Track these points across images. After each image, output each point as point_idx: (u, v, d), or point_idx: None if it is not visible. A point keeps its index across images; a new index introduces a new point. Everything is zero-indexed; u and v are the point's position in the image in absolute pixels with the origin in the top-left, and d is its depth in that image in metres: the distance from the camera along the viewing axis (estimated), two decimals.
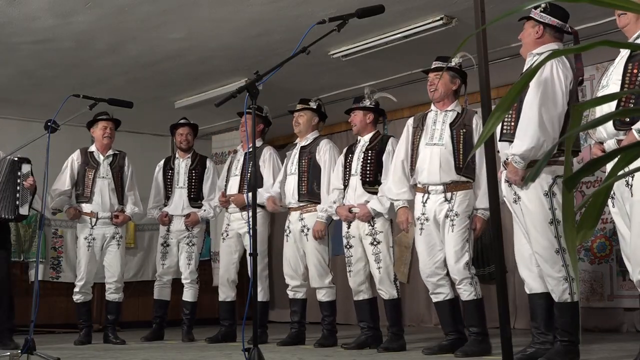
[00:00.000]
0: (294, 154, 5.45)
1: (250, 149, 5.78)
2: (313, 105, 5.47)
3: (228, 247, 5.80)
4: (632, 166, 1.15)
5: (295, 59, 3.34)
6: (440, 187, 4.29)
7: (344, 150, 5.19)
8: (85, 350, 5.21)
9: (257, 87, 3.30)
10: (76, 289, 5.74)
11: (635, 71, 3.15)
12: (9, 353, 4.08)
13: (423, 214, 4.35)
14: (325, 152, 5.30)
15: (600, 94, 3.32)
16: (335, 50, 5.81)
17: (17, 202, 5.28)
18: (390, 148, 4.89)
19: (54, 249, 7.59)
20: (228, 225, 5.80)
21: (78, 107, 4.57)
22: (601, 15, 4.90)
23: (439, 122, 4.40)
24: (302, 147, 5.41)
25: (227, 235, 5.80)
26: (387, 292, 4.77)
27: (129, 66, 6.22)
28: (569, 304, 3.59)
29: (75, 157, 5.84)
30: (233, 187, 5.76)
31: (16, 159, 5.31)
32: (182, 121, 6.31)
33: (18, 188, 5.30)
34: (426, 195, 4.35)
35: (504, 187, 3.72)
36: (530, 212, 3.61)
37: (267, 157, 5.73)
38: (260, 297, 5.65)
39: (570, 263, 3.59)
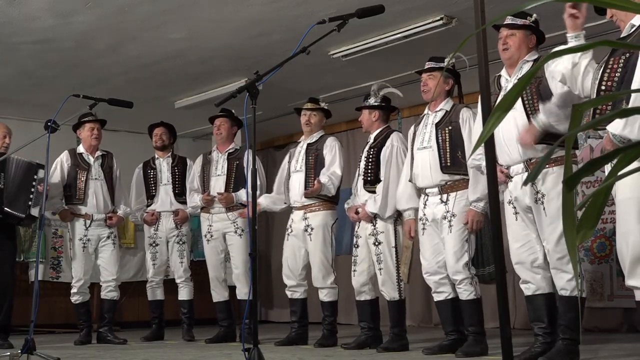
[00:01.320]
0: (299, 152, 5.42)
1: (230, 151, 5.86)
2: (324, 105, 5.50)
3: (214, 248, 5.80)
4: (632, 166, 1.15)
5: (295, 59, 3.34)
6: (436, 189, 4.33)
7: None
8: (85, 350, 5.22)
9: (257, 87, 3.30)
10: (74, 290, 5.75)
11: (615, 66, 3.08)
12: (8, 353, 4.08)
13: (424, 214, 4.39)
14: (331, 148, 5.30)
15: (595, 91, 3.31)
16: (335, 50, 5.82)
17: (30, 203, 5.38)
18: (389, 143, 4.87)
19: (54, 249, 7.59)
20: (210, 226, 5.79)
21: (78, 107, 4.58)
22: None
23: (428, 124, 4.45)
24: (309, 145, 5.38)
25: (212, 236, 5.79)
26: (388, 293, 4.77)
27: (129, 66, 6.23)
28: (579, 299, 3.63)
29: (64, 159, 5.83)
30: (217, 187, 5.75)
31: (34, 163, 5.41)
32: (157, 122, 6.39)
33: (32, 190, 5.40)
34: (425, 197, 4.41)
35: (519, 187, 3.72)
36: (556, 209, 3.59)
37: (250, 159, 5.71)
38: (244, 296, 5.66)
39: (579, 260, 3.63)
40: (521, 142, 3.63)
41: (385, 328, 4.96)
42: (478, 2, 2.13)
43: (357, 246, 4.96)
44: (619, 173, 1.13)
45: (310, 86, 6.62)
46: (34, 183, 5.43)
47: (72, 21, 5.16)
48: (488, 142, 2.23)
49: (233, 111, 5.87)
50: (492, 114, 1.21)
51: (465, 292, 4.24)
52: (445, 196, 4.29)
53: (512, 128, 3.70)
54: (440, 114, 4.41)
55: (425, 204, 4.39)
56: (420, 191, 4.48)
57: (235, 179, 5.70)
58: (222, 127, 5.86)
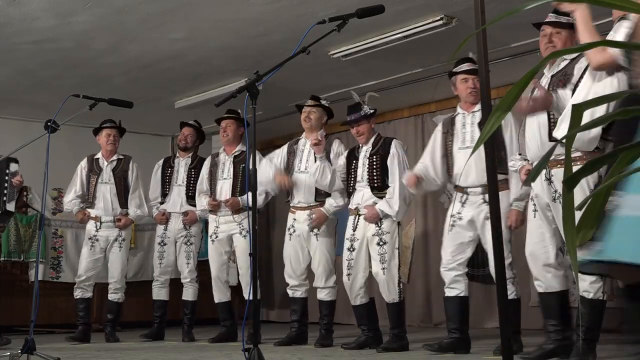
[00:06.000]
0: (304, 152, 5.37)
1: (236, 153, 5.85)
2: (325, 103, 5.49)
3: (218, 249, 5.82)
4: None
5: (295, 59, 3.33)
6: (479, 189, 4.32)
7: (345, 154, 5.18)
8: (85, 350, 5.22)
9: (257, 87, 3.30)
10: (76, 285, 5.97)
11: None
12: (8, 353, 4.08)
13: (459, 212, 4.39)
14: (338, 154, 5.28)
15: None
16: (335, 50, 5.81)
17: (4, 199, 5.39)
18: (394, 151, 4.89)
19: (54, 249, 7.59)
20: (217, 227, 5.81)
21: (78, 107, 4.57)
22: (601, 15, 4.88)
23: (467, 124, 4.46)
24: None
25: (217, 237, 5.81)
26: (389, 295, 4.77)
27: (129, 66, 6.22)
28: (601, 301, 3.65)
29: (83, 165, 6.12)
30: (224, 190, 5.78)
31: (3, 157, 5.40)
32: (190, 122, 6.42)
33: (5, 185, 5.41)
34: (465, 196, 4.40)
35: (539, 185, 3.73)
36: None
37: (257, 160, 5.75)
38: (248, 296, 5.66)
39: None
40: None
41: (385, 328, 4.97)
42: (478, 2, 2.13)
43: (354, 249, 4.91)
44: (619, 173, 1.13)
45: (310, 86, 6.61)
46: (6, 177, 5.41)
47: (72, 21, 5.15)
48: (488, 143, 2.23)
49: (239, 111, 5.86)
50: (492, 114, 1.21)
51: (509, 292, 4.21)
52: (487, 196, 4.27)
53: (534, 124, 3.75)
54: (479, 115, 4.39)
55: (463, 203, 4.39)
56: (456, 189, 4.48)
57: (241, 183, 5.72)
58: (229, 129, 5.86)
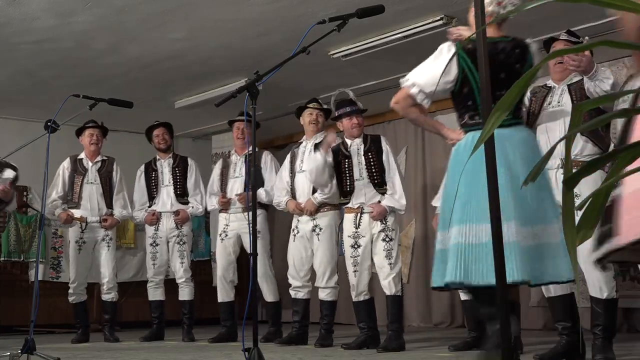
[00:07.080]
0: (304, 152, 5.39)
1: (249, 152, 5.86)
2: (326, 107, 5.54)
3: (226, 247, 5.83)
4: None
5: (295, 59, 3.33)
6: None
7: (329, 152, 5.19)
8: (85, 350, 5.22)
9: (257, 87, 3.30)
10: (70, 291, 5.91)
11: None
12: (8, 353, 4.08)
13: None
14: None
15: None
16: (335, 50, 5.82)
17: None
18: (386, 148, 5.00)
19: (54, 249, 7.59)
20: (227, 225, 5.83)
21: (78, 107, 4.57)
22: (601, 15, 4.90)
23: None
24: (316, 145, 5.37)
25: (227, 235, 5.82)
26: (393, 287, 4.80)
27: (129, 66, 6.23)
28: (616, 300, 3.70)
29: (65, 165, 6.03)
30: (235, 189, 5.82)
31: (2, 161, 5.34)
32: (155, 123, 6.38)
33: None
34: None
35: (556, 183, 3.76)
36: None
37: (269, 161, 5.88)
38: (272, 298, 5.76)
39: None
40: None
41: (382, 328, 4.97)
42: (478, 2, 2.13)
43: (359, 246, 4.94)
44: (619, 173, 1.13)
45: (310, 86, 6.61)
46: None
47: (72, 21, 5.16)
48: (488, 143, 2.22)
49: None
50: (492, 114, 1.21)
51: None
52: None
53: (560, 128, 3.77)
54: None
55: None
56: None
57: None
58: (246, 131, 5.88)
